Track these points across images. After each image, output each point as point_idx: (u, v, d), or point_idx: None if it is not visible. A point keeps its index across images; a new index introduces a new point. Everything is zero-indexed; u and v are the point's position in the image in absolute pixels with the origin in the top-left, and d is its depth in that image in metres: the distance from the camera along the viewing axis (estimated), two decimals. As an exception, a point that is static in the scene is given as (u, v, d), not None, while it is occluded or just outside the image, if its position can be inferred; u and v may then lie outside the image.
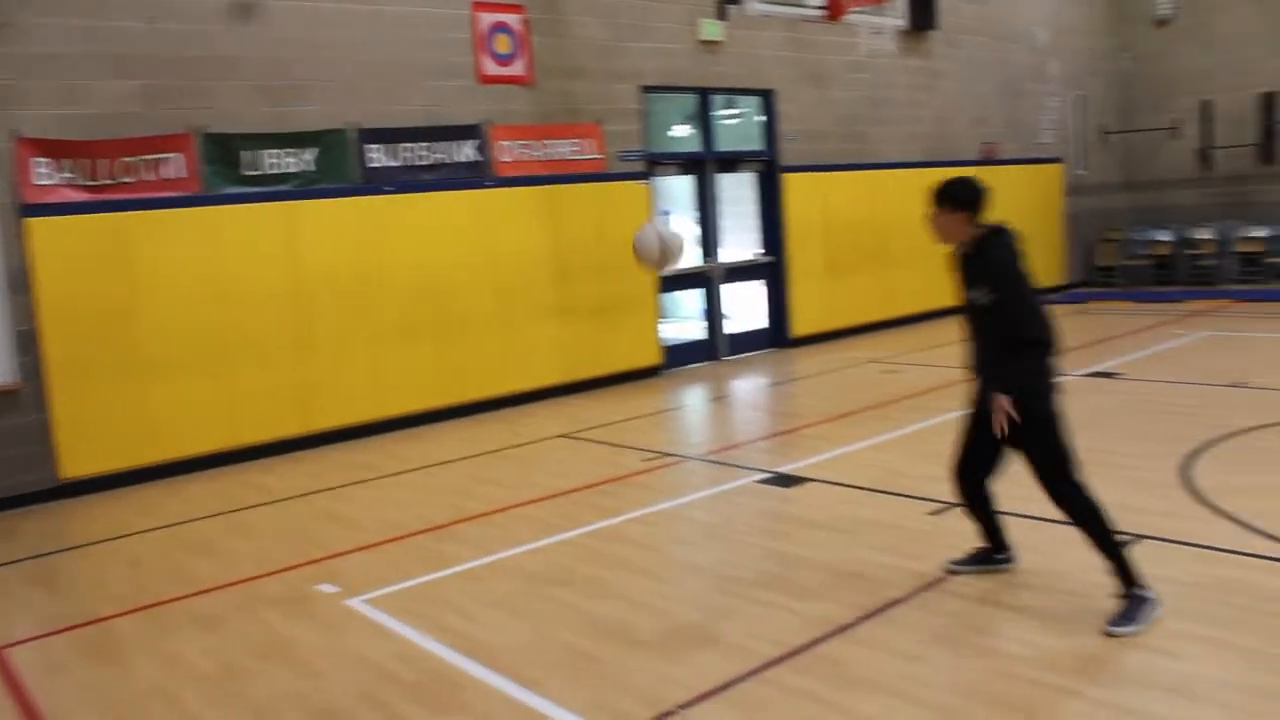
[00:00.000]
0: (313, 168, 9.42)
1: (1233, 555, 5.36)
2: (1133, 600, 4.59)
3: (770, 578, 5.46)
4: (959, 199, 4.74)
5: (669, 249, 5.91)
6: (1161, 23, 18.75)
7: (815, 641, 4.59)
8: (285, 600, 5.64)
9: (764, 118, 13.36)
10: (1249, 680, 4.08)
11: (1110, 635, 4.47)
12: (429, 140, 10.15)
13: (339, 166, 9.58)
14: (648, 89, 11.94)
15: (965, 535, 5.49)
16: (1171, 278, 17.64)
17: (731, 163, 13.18)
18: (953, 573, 5.26)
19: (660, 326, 12.01)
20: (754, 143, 13.40)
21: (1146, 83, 18.96)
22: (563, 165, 11.14)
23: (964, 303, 4.81)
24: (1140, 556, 5.37)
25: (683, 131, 13.09)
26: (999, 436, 4.67)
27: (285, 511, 7.51)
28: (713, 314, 12.83)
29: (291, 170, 9.31)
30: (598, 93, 11.45)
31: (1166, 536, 5.63)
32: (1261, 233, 17.31)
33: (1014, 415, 4.58)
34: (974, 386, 4.94)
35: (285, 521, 7.26)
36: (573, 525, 6.56)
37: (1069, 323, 14.50)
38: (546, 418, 10.05)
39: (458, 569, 5.93)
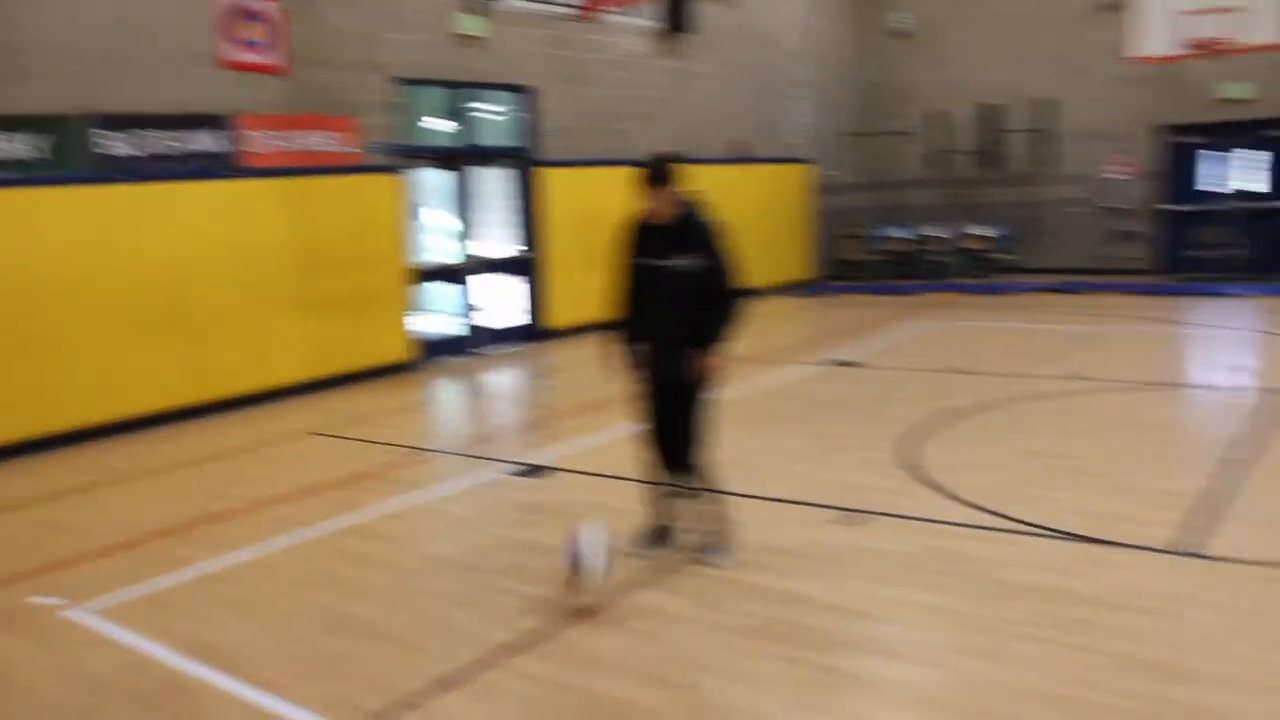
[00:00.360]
0: (39, 155, 8.83)
1: (946, 526, 5.80)
2: (724, 539, 5.32)
3: (516, 567, 5.52)
4: (673, 174, 5.10)
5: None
6: (899, 36, 19.92)
7: (559, 627, 4.68)
8: (-1, 614, 5.30)
9: (523, 113, 13.41)
10: (955, 640, 4.45)
11: (712, 565, 5.24)
12: (171, 128, 9.69)
13: (69, 154, 9.02)
14: (405, 81, 11.79)
15: (703, 516, 5.71)
16: (908, 272, 18.79)
17: (490, 157, 13.17)
18: (637, 555, 5.46)
19: (414, 321, 11.88)
20: (513, 138, 13.43)
21: (887, 91, 20.11)
22: (315, 157, 10.86)
23: (653, 271, 5.11)
24: (864, 531, 5.76)
25: (441, 125, 12.98)
26: (690, 387, 5.14)
27: (1, 523, 7.03)
28: (469, 308, 12.79)
29: (12, 157, 8.70)
30: (353, 84, 11.21)
31: (887, 511, 6.04)
32: (986, 231, 18.70)
33: (722, 369, 5.13)
34: (651, 352, 5.24)
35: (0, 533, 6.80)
36: (319, 523, 6.42)
37: (816, 315, 15.26)
38: (296, 414, 9.79)
39: (195, 573, 5.71)
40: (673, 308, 5.11)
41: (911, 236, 19.06)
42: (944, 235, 18.86)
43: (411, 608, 5.07)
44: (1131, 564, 5.19)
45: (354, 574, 5.55)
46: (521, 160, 13.40)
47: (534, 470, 7.35)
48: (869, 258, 19.09)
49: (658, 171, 5.07)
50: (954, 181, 19.47)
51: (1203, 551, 5.27)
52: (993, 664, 4.20)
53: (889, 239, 19.14)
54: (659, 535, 5.53)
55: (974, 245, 18.69)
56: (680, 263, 5.05)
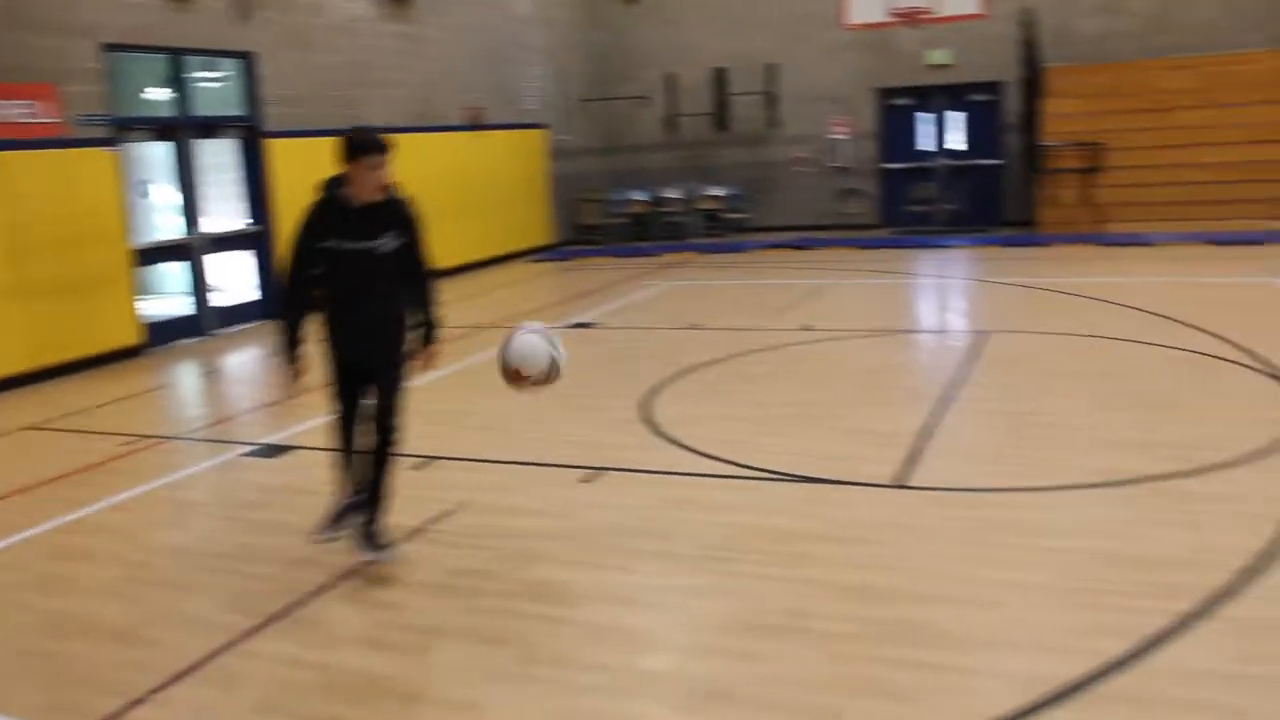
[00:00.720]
0: None
1: (683, 477, 6.04)
2: (379, 535, 4.87)
3: (251, 549, 5.37)
4: (388, 148, 4.74)
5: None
6: (630, 1, 20.22)
7: (295, 605, 4.60)
8: None
9: (245, 82, 12.84)
10: (690, 584, 4.67)
11: (369, 560, 4.83)
12: None
13: None
14: (111, 47, 11.05)
15: (444, 484, 5.72)
16: (646, 234, 19.23)
17: (212, 128, 12.56)
18: (323, 541, 5.02)
19: (140, 303, 11.24)
20: (235, 107, 12.85)
21: (620, 55, 20.42)
22: (12, 129, 10.04)
23: (358, 254, 4.69)
24: (605, 487, 5.92)
25: (157, 95, 12.26)
26: (393, 373, 4.87)
27: None
28: (199, 287, 12.20)
29: None
30: (52, 49, 10.40)
31: (628, 466, 6.23)
32: (720, 192, 19.38)
33: (440, 352, 5.00)
34: (348, 340, 4.80)
35: None
36: (36, 522, 6.00)
37: (555, 280, 15.41)
38: (10, 409, 9.07)
39: (-109, 585, 5.26)
40: (378, 292, 4.79)
41: (649, 199, 19.50)
42: (680, 196, 19.39)
43: (142, 601, 4.85)
44: (853, 500, 5.56)
45: (76, 572, 5.25)
46: (245, 131, 12.85)
47: (272, 450, 7.14)
48: (608, 221, 19.41)
49: (373, 144, 4.70)
50: (688, 144, 20.03)
51: (913, 483, 5.71)
52: (725, 603, 4.43)
53: (627, 202, 19.51)
54: (342, 512, 5.01)
55: (709, 206, 19.33)
56: (388, 244, 4.75)
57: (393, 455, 4.87)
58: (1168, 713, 3.44)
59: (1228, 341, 8.54)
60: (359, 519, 4.87)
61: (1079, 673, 3.66)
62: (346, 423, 4.93)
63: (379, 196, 4.72)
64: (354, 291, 4.77)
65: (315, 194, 4.79)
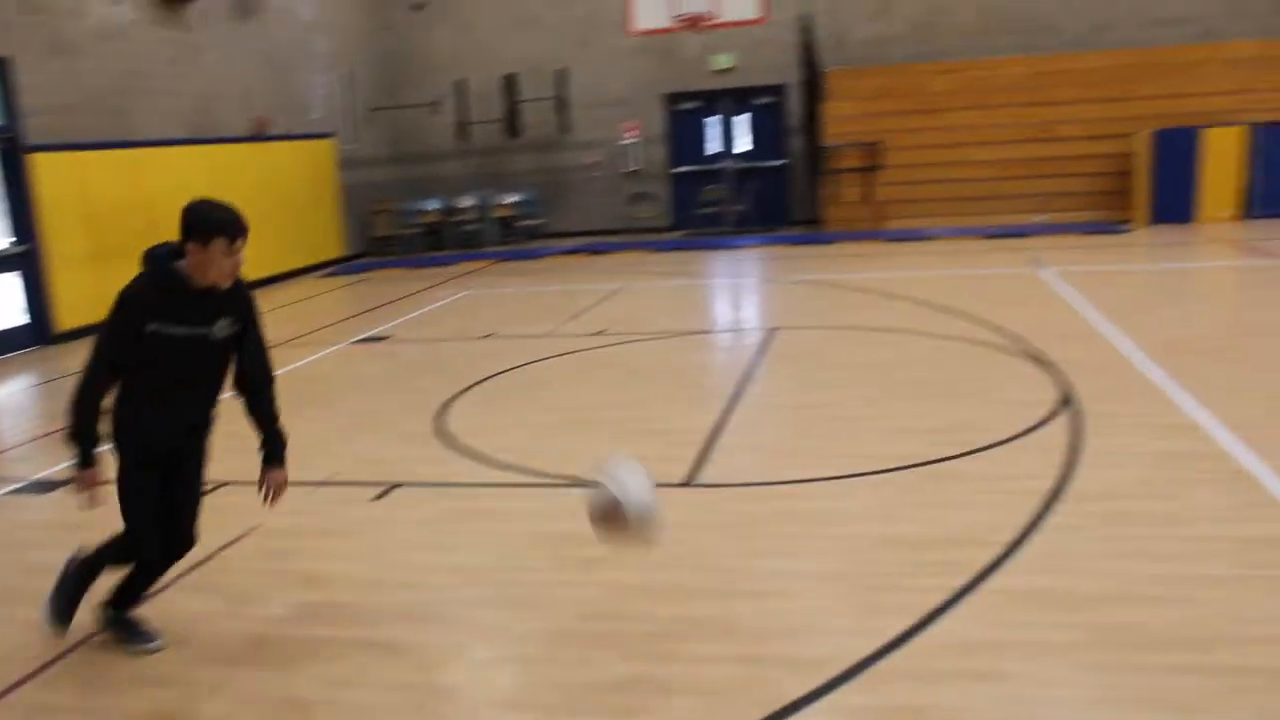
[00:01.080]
0: None
1: (478, 488, 6.03)
2: (131, 625, 4.37)
3: (20, 593, 5.04)
4: (246, 227, 4.00)
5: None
6: (417, 7, 19.99)
7: (70, 650, 4.35)
8: None
9: (0, 90, 12.04)
10: (481, 596, 4.65)
11: (140, 651, 4.27)
12: None
13: None
14: None
15: (232, 510, 5.53)
16: (441, 243, 19.06)
17: (-36, 142, 11.74)
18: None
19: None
20: (-11, 120, 12.04)
21: (409, 62, 20.15)
22: None
23: (194, 342, 4.00)
24: (400, 503, 5.84)
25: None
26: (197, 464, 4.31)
27: None
28: (-43, 314, 11.40)
29: None
30: None
31: (420, 481, 6.15)
32: (514, 198, 19.37)
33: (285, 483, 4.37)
34: (159, 434, 4.13)
35: None
36: None
37: (349, 293, 15.09)
38: None
39: None
40: (203, 384, 4.15)
41: (442, 208, 19.34)
42: (474, 204, 19.31)
43: (-106, 657, 4.49)
44: (646, 500, 5.63)
45: None
46: (4, 143, 12.05)
47: (43, 486, 6.73)
48: (402, 231, 19.14)
49: (234, 225, 3.90)
50: (480, 151, 19.96)
51: (705, 481, 5.85)
52: (521, 612, 4.44)
53: (420, 211, 19.29)
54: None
55: (503, 213, 19.31)
56: (223, 329, 4.06)
57: (188, 547, 4.34)
58: (940, 683, 3.63)
59: (996, 328, 9.09)
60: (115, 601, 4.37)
61: (862, 654, 3.82)
62: (157, 524, 4.27)
63: (227, 283, 3.99)
64: (177, 383, 4.08)
65: (143, 266, 4.01)
